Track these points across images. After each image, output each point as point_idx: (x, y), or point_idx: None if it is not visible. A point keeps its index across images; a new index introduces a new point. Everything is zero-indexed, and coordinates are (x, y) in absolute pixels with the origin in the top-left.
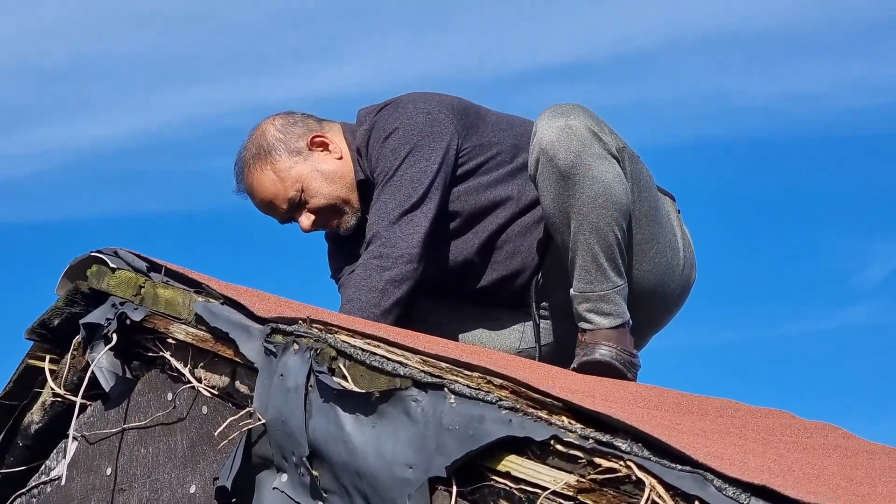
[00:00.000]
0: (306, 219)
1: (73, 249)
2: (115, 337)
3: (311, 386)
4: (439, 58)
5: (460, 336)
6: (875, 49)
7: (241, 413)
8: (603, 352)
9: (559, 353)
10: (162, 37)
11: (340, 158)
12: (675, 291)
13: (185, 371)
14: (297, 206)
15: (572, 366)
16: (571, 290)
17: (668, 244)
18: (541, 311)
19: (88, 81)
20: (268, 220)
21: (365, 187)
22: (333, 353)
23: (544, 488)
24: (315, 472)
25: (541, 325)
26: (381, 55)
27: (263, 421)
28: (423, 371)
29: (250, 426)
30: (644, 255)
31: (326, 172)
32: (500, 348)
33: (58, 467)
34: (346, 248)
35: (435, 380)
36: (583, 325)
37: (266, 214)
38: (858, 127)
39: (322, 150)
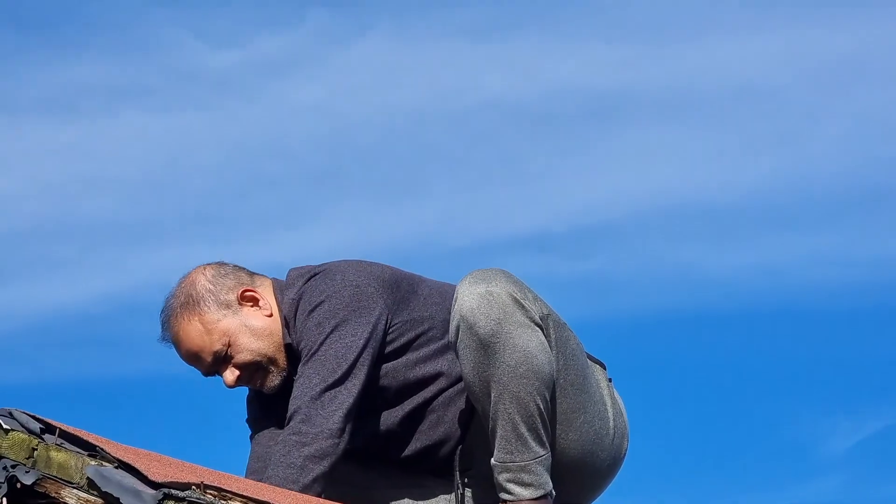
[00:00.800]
0: (231, 374)
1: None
2: (4, 501)
3: None
4: (406, 225)
5: (384, 501)
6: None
7: None
8: None
9: None
10: (130, 200)
11: (270, 316)
12: (606, 462)
13: None
14: (222, 359)
15: None
16: (492, 460)
17: (598, 413)
18: (465, 479)
19: (53, 243)
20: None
21: (291, 350)
22: None
23: None
24: None
25: (466, 494)
26: (348, 222)
27: None
28: None
29: None
30: (570, 424)
31: (255, 328)
32: None
33: None
34: (267, 400)
35: None
36: (503, 495)
37: (190, 365)
38: (823, 301)
39: (252, 306)
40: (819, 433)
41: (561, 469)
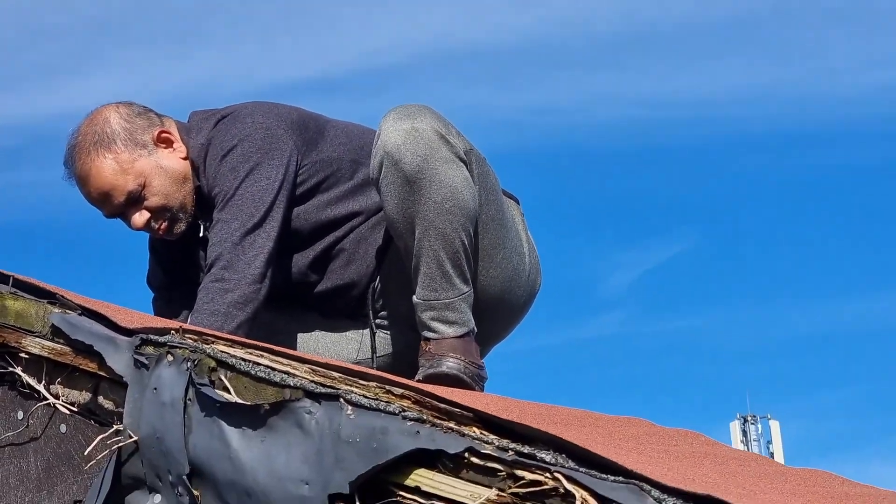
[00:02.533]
0: (140, 216)
1: None
2: None
3: (189, 399)
4: (190, 71)
5: (299, 344)
6: (622, 64)
7: (109, 431)
8: (450, 364)
9: (398, 363)
10: None
11: (185, 159)
12: (522, 298)
13: (40, 387)
14: (134, 201)
15: (417, 377)
16: (414, 298)
17: (515, 249)
18: (378, 319)
19: None
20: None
21: (199, 194)
22: (213, 364)
23: (458, 503)
24: (196, 492)
25: (378, 335)
26: (130, 69)
27: (135, 438)
28: (313, 381)
29: (120, 444)
30: (491, 260)
31: (171, 171)
32: (337, 358)
33: None
34: (167, 255)
35: (328, 390)
36: (427, 333)
37: (94, 205)
38: (608, 141)
39: (166, 148)
40: (601, 271)
41: (480, 306)
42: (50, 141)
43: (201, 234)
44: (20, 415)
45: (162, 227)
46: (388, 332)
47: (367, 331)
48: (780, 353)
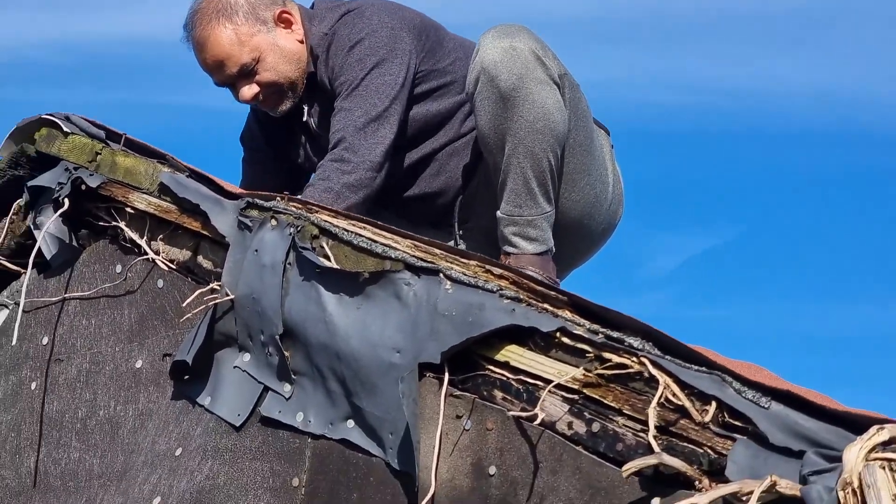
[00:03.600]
0: (249, 90)
1: None
2: (66, 202)
3: (289, 263)
4: None
5: None
6: (687, 48)
7: (206, 287)
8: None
9: None
10: None
11: (301, 42)
12: (601, 226)
13: (142, 242)
14: (246, 74)
15: None
16: (498, 213)
17: (599, 177)
18: (462, 230)
19: None
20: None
21: (311, 81)
22: (316, 232)
23: (546, 380)
24: (286, 353)
25: (461, 245)
26: None
27: (232, 297)
28: (414, 256)
29: (216, 301)
30: (574, 184)
31: (286, 51)
32: None
33: None
34: (269, 126)
35: (429, 265)
36: (507, 248)
37: (207, 72)
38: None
39: (285, 28)
40: (647, 251)
41: (558, 229)
42: (107, 65)
43: (304, 118)
44: (118, 268)
45: (268, 102)
46: (467, 245)
47: (449, 242)
48: (810, 351)
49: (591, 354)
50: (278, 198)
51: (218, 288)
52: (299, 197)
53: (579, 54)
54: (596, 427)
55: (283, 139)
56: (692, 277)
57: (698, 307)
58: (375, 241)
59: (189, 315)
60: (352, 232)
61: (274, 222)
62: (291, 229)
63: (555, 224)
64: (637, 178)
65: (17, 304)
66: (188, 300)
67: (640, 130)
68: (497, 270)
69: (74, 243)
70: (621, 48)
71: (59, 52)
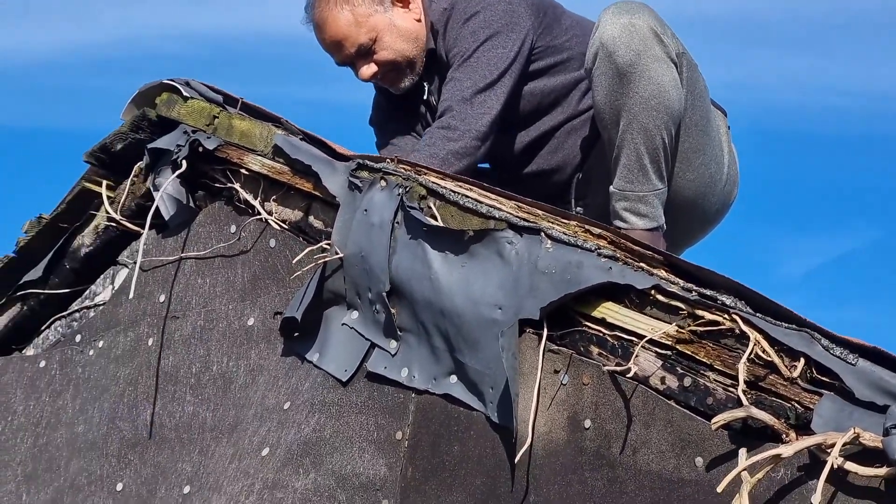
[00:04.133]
0: (368, 69)
1: None
2: (184, 164)
3: (397, 222)
4: None
5: None
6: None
7: (316, 246)
8: None
9: None
10: None
11: (419, 21)
12: (714, 206)
13: (256, 203)
14: (364, 54)
15: None
16: (611, 188)
17: (714, 157)
18: (578, 207)
19: None
20: None
21: (432, 58)
22: (423, 192)
23: (640, 336)
24: (393, 310)
25: None
26: None
27: (341, 255)
28: (517, 216)
29: (326, 259)
30: (689, 164)
31: (403, 30)
32: None
33: (104, 292)
34: (394, 105)
35: (531, 224)
36: (617, 223)
37: (327, 52)
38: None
39: (402, 7)
40: (779, 254)
41: (672, 208)
42: (240, 58)
43: (425, 96)
44: (233, 229)
45: (387, 80)
46: None
47: None
48: None
49: (685, 311)
50: (388, 160)
51: (327, 247)
52: (407, 159)
53: (713, 52)
54: (688, 382)
55: (407, 116)
56: (826, 281)
57: (829, 309)
58: (481, 202)
59: (299, 273)
60: (458, 193)
61: (383, 183)
62: (400, 190)
63: (669, 203)
64: (769, 177)
65: (136, 263)
66: (298, 257)
67: (777, 130)
68: (596, 230)
69: (191, 204)
70: (758, 48)
71: (193, 45)
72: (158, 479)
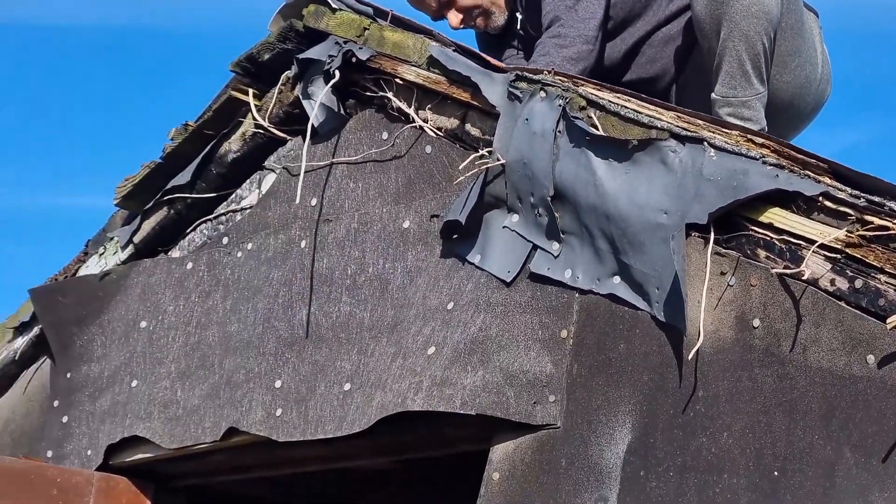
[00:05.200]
0: (454, 17)
1: None
2: (337, 73)
3: (559, 131)
4: None
5: None
6: None
7: (480, 152)
8: None
9: None
10: None
11: None
12: (810, 105)
13: (410, 111)
14: (446, 4)
15: None
16: (713, 94)
17: (809, 58)
18: None
19: None
20: None
21: None
22: (583, 103)
23: (808, 240)
24: (556, 213)
25: None
26: None
27: (503, 162)
28: (678, 125)
29: (488, 165)
30: (785, 66)
31: None
32: None
33: (250, 196)
34: (494, 45)
35: (693, 134)
36: None
37: (416, 9)
38: None
39: None
40: None
41: (770, 109)
42: None
43: (518, 27)
44: (384, 135)
45: (479, 23)
46: None
47: None
48: None
49: (853, 217)
50: (545, 71)
51: (487, 154)
52: (564, 72)
53: None
54: (859, 284)
55: (505, 55)
56: None
57: None
58: (640, 112)
59: (461, 178)
60: (617, 104)
61: (543, 94)
62: (561, 101)
63: (767, 104)
64: None
65: (285, 168)
66: (464, 163)
67: None
68: (759, 140)
69: (341, 112)
70: None
71: None
72: (317, 377)
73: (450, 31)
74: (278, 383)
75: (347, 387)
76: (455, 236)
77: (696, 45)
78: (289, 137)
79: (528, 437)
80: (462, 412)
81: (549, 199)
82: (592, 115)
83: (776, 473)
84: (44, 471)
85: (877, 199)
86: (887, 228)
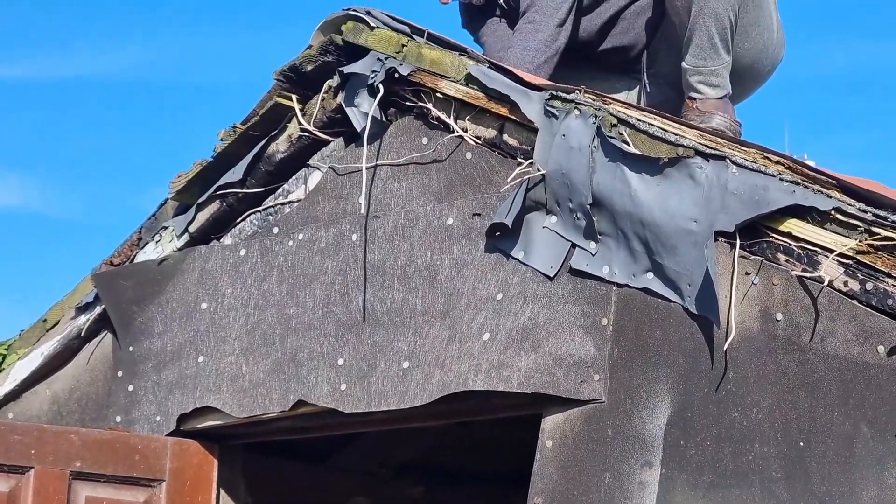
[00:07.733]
0: None
1: None
2: (381, 88)
3: (594, 147)
4: None
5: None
6: None
7: (524, 165)
8: (718, 120)
9: None
10: None
11: None
12: (766, 67)
13: (450, 120)
14: None
15: None
16: (684, 63)
17: (766, 27)
18: (647, 77)
19: None
20: None
21: None
22: (614, 121)
23: (822, 247)
24: (594, 218)
25: (648, 90)
26: None
27: (543, 172)
28: (701, 143)
29: (531, 175)
30: (747, 35)
31: None
32: None
33: (297, 190)
34: (479, 16)
35: (716, 151)
36: (693, 94)
37: None
38: None
39: None
40: None
41: (733, 74)
42: None
43: (501, 0)
44: (424, 141)
45: None
46: (652, 89)
47: (634, 89)
48: (818, 90)
49: (861, 228)
50: (577, 90)
51: (528, 165)
52: (593, 90)
53: None
54: (869, 285)
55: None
56: None
57: None
58: (667, 130)
59: (506, 188)
60: (645, 122)
61: (577, 112)
62: (594, 119)
63: (731, 70)
64: None
65: (331, 168)
66: (511, 177)
67: None
68: (774, 157)
69: (382, 119)
70: None
71: None
72: (377, 356)
73: (440, 5)
74: (340, 361)
75: (406, 365)
76: (497, 234)
77: (665, 15)
78: (331, 139)
79: (577, 409)
80: (518, 391)
81: (588, 205)
82: (623, 132)
83: (801, 444)
84: (127, 439)
85: (882, 212)
86: (892, 239)
